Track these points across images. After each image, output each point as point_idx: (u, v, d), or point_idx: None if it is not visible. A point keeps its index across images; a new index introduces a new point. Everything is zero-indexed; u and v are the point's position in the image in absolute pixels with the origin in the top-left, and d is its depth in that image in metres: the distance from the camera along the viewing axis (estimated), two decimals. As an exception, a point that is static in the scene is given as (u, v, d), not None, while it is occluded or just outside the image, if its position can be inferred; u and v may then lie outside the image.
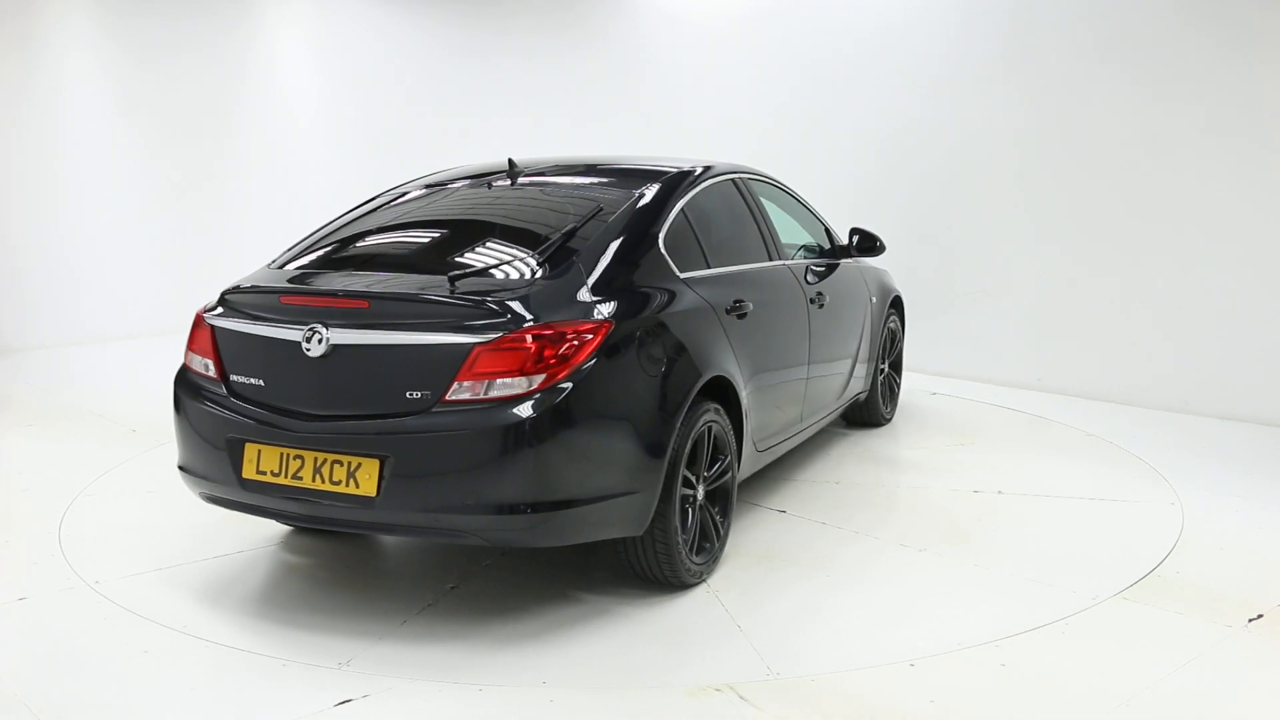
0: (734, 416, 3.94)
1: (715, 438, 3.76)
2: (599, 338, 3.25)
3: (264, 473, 3.31)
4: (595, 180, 4.30)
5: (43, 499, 4.73)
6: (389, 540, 4.20)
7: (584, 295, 3.36)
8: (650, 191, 3.98)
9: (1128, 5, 6.55)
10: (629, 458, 3.33)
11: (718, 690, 2.98)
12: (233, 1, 9.66)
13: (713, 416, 3.71)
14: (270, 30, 10.01)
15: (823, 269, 5.09)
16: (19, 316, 8.59)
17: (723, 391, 3.86)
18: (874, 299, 5.65)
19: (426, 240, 3.98)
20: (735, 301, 4.02)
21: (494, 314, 3.16)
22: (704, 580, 3.74)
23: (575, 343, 3.20)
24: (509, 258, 3.53)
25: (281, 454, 3.29)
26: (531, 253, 3.51)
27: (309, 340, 3.27)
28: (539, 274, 3.39)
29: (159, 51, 9.23)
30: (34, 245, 8.68)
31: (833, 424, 5.88)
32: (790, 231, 5.23)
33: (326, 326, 3.26)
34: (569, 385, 3.15)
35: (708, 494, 3.78)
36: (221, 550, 4.07)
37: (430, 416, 3.12)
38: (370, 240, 3.96)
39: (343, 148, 10.38)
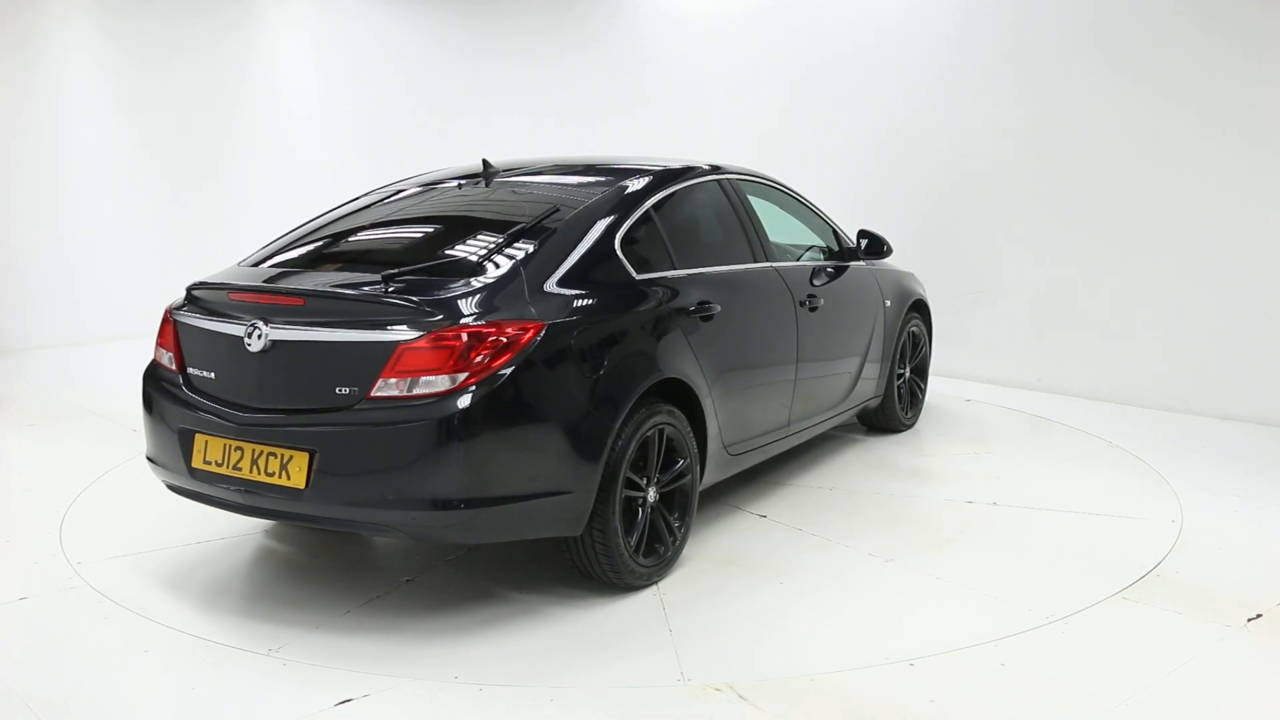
0: (697, 419, 3.91)
1: (669, 440, 3.74)
2: (528, 338, 3.27)
3: (210, 463, 3.44)
4: (566, 181, 4.32)
5: (43, 499, 4.73)
6: None
7: (519, 295, 3.37)
8: (614, 193, 3.98)
9: (1130, 6, 6.55)
10: (560, 458, 3.34)
11: (718, 690, 2.99)
12: (233, 1, 9.66)
13: (666, 419, 3.69)
14: (270, 30, 10.01)
15: (829, 271, 5.03)
16: (19, 316, 8.59)
17: (683, 393, 3.84)
18: (888, 302, 5.52)
19: (382, 240, 4.06)
20: (699, 303, 3.98)
21: (420, 313, 3.21)
22: (654, 582, 3.72)
23: (502, 342, 3.23)
24: (452, 257, 3.59)
25: (225, 445, 3.41)
26: (475, 252, 3.56)
27: (249, 336, 3.38)
28: (476, 274, 3.43)
29: (159, 51, 9.23)
30: (34, 245, 8.68)
31: (850, 429, 5.84)
32: (796, 235, 5.20)
33: (266, 323, 3.36)
34: (493, 385, 3.18)
35: (664, 496, 3.77)
36: (209, 543, 4.09)
37: (355, 412, 3.19)
38: (333, 240, 4.04)
39: (343, 148, 10.38)
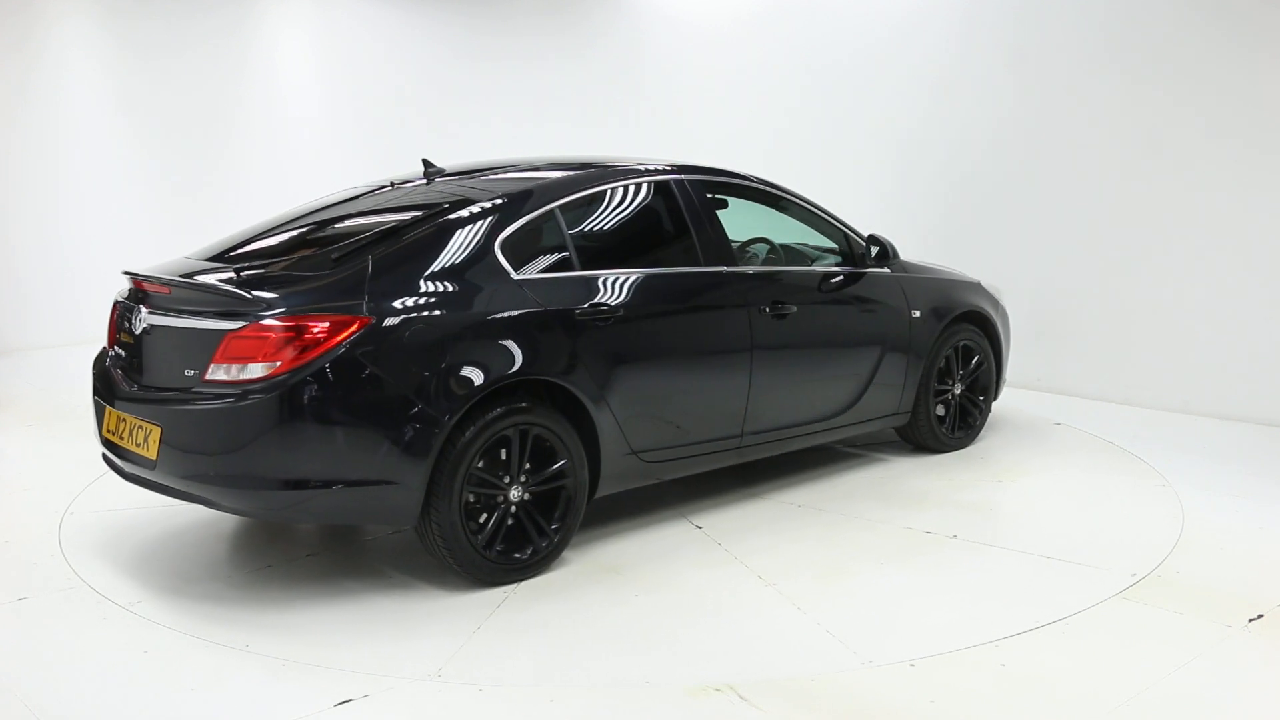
0: (590, 422, 3.87)
1: (541, 441, 3.71)
2: (349, 331, 3.38)
3: (111, 432, 3.80)
4: (494, 180, 4.25)
5: (43, 499, 4.73)
6: None
7: (356, 290, 3.48)
8: (514, 192, 3.98)
9: (1136, 6, 6.54)
10: (382, 449, 3.43)
11: (718, 690, 2.99)
12: (233, 1, 9.66)
13: (533, 419, 3.67)
14: (270, 30, 10.01)
15: (830, 277, 4.83)
16: (19, 316, 8.59)
17: (572, 396, 3.82)
18: (917, 313, 5.13)
19: (286, 238, 4.14)
20: (593, 305, 3.89)
21: (250, 303, 3.41)
22: (517, 580, 3.72)
23: (319, 334, 3.35)
24: (313, 253, 3.81)
25: (118, 417, 3.75)
26: (341, 248, 3.68)
27: (134, 319, 3.74)
28: (326, 268, 3.58)
29: (159, 51, 9.23)
30: (34, 245, 8.68)
31: (889, 447, 5.50)
32: (796, 239, 5.15)
33: (145, 308, 3.70)
34: (305, 374, 3.33)
35: (540, 497, 3.76)
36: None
37: (191, 394, 3.46)
38: (254, 238, 4.17)
39: (342, 148, 10.37)
